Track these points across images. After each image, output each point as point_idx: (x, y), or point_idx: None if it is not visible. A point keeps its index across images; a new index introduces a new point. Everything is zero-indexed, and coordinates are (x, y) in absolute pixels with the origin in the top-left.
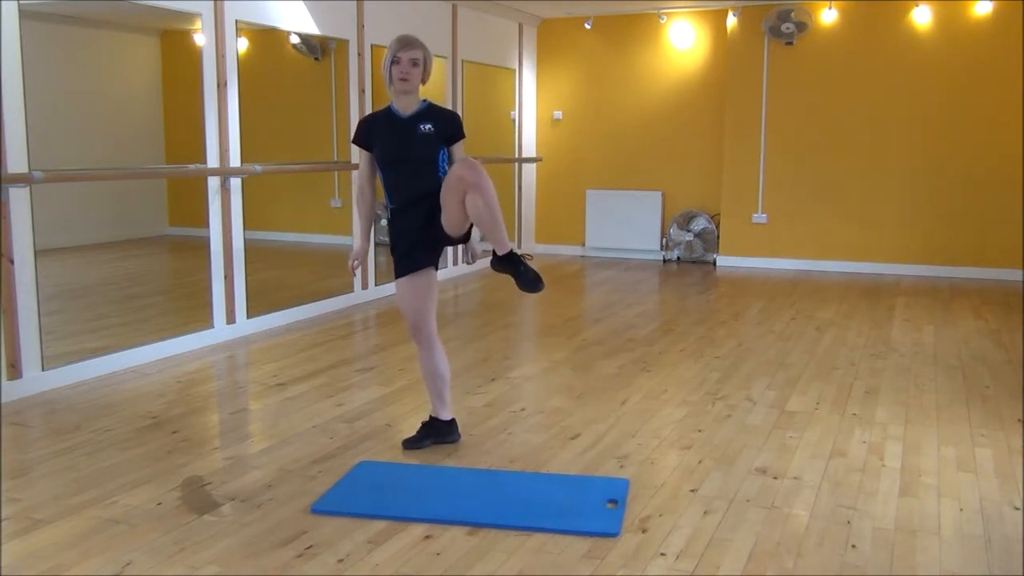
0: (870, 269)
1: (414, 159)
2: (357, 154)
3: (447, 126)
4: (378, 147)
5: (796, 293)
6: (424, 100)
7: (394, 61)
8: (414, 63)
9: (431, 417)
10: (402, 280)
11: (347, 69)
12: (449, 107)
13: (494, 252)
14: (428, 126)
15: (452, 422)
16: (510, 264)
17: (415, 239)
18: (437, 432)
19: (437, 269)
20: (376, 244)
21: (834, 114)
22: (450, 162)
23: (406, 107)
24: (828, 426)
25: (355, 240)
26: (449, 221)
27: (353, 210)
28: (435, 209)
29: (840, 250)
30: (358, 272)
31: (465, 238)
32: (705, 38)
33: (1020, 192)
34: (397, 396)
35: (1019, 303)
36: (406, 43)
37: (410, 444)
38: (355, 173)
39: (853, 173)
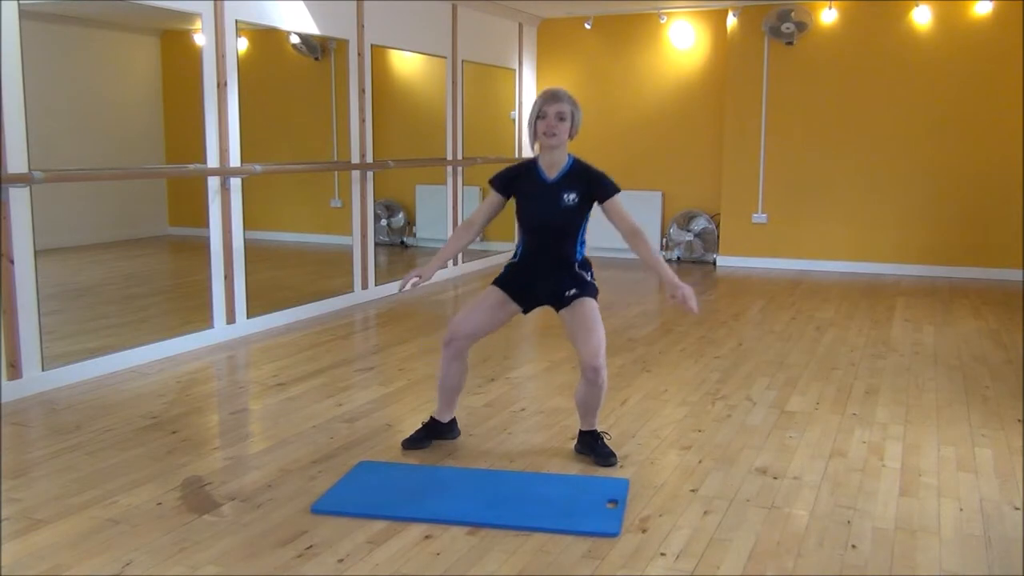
0: (870, 269)
1: (555, 229)
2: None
3: (594, 188)
4: (520, 207)
5: (796, 293)
6: (570, 158)
7: (540, 116)
8: (560, 117)
9: (431, 418)
10: (494, 289)
11: (347, 69)
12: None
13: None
14: (573, 196)
15: (452, 420)
16: (591, 438)
17: (531, 284)
18: (438, 432)
19: (525, 311)
20: (377, 244)
21: (834, 114)
22: (613, 217)
23: (551, 166)
24: (828, 426)
25: (431, 261)
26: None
27: (450, 236)
28: (560, 276)
29: (840, 250)
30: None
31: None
32: (705, 38)
33: (1020, 192)
34: (397, 396)
35: (1019, 303)
36: (552, 96)
37: (410, 444)
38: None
39: (853, 173)
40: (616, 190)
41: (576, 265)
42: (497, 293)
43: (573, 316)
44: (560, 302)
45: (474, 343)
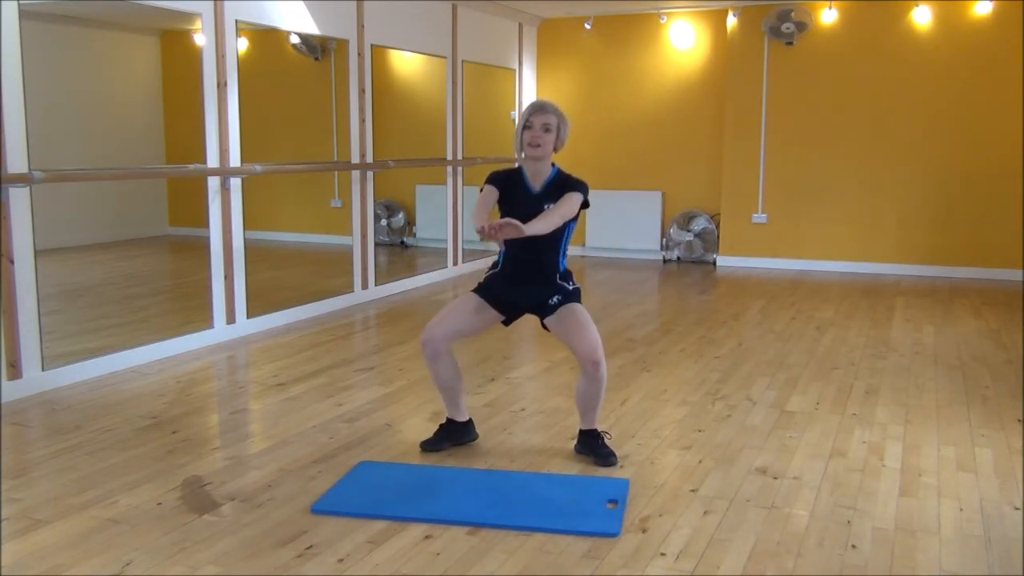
0: (870, 269)
1: (538, 240)
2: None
3: (567, 192)
4: (503, 215)
5: (796, 293)
6: (554, 168)
7: (526, 126)
8: (546, 128)
9: (447, 419)
10: (472, 295)
11: (347, 69)
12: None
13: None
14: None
15: (468, 422)
16: (591, 438)
17: (512, 294)
18: (453, 433)
19: (506, 322)
20: (377, 244)
21: (834, 114)
22: (559, 204)
23: (536, 175)
24: (828, 426)
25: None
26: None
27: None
28: (542, 286)
29: (840, 250)
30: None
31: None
32: (705, 38)
33: (1020, 192)
34: (397, 396)
35: (1019, 303)
36: (539, 108)
37: (428, 446)
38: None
39: (853, 173)
40: (579, 190)
41: (558, 275)
42: (474, 299)
43: (562, 321)
44: (544, 310)
45: (450, 344)
